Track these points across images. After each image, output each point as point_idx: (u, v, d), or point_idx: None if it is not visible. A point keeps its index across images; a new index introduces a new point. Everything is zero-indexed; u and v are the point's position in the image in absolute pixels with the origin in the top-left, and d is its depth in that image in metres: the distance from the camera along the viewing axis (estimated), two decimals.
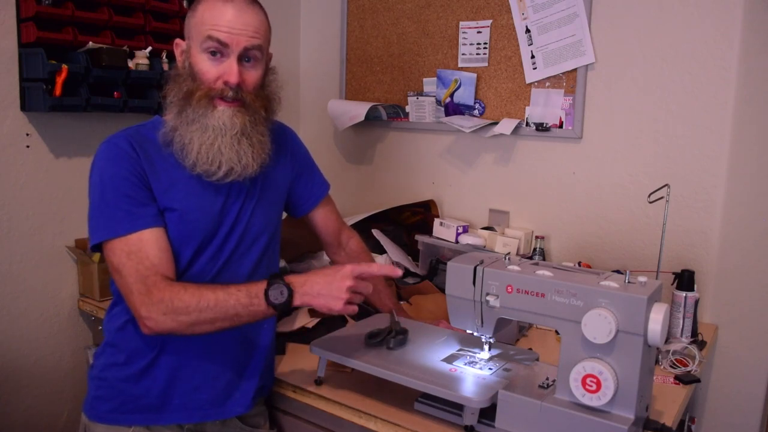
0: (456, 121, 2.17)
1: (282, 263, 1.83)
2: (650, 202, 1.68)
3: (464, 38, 2.21)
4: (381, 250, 2.13)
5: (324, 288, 1.16)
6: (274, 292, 1.15)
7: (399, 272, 1.22)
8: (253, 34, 1.21)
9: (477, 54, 2.19)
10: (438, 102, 2.29)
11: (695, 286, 1.65)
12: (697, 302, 1.65)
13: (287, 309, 1.17)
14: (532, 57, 2.07)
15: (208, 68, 1.20)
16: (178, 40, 1.28)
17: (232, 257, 1.28)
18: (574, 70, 2.00)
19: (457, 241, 2.07)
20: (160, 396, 1.25)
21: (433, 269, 2.04)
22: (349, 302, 1.17)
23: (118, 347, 1.27)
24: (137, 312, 1.15)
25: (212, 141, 1.20)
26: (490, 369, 1.24)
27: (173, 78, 1.26)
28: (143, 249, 1.17)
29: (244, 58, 1.22)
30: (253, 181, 1.31)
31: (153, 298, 1.14)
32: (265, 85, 1.29)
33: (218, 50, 1.20)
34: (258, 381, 1.34)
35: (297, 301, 1.16)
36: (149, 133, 1.26)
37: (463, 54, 2.22)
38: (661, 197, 1.64)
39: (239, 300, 1.15)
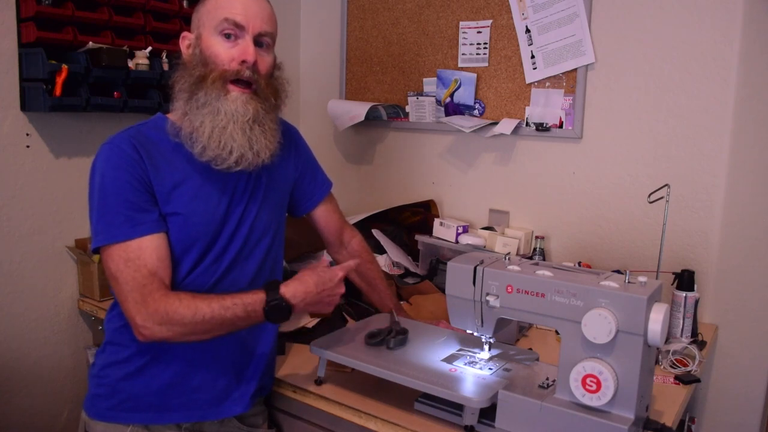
0: (456, 121, 2.17)
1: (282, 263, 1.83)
2: (650, 202, 1.68)
3: (464, 38, 2.21)
4: (381, 250, 2.13)
5: (319, 297, 1.23)
6: (272, 308, 1.18)
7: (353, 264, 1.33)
8: (267, 20, 1.24)
9: (477, 54, 2.19)
10: (438, 102, 2.29)
11: (695, 286, 1.65)
12: (697, 302, 1.65)
13: (284, 321, 1.21)
14: (532, 57, 2.07)
15: (223, 50, 1.21)
16: (185, 33, 1.28)
17: (237, 258, 1.28)
18: (574, 70, 2.00)
19: (457, 241, 2.07)
20: (159, 395, 1.25)
21: (433, 269, 2.04)
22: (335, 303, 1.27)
23: (119, 345, 1.27)
24: (132, 320, 1.15)
25: (224, 125, 1.19)
26: (490, 369, 1.24)
27: (182, 67, 1.26)
28: (142, 257, 1.16)
29: (257, 42, 1.23)
30: (258, 180, 1.31)
31: (149, 307, 1.13)
32: (273, 78, 1.29)
33: (233, 32, 1.21)
34: (257, 383, 1.34)
35: (294, 312, 1.21)
36: (151, 132, 1.24)
37: (463, 54, 2.22)
38: (661, 197, 1.64)
39: (236, 313, 1.16)
